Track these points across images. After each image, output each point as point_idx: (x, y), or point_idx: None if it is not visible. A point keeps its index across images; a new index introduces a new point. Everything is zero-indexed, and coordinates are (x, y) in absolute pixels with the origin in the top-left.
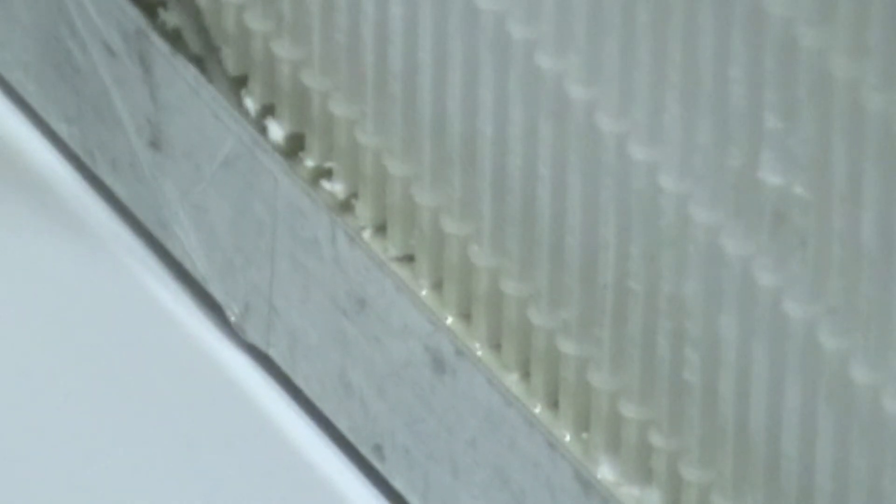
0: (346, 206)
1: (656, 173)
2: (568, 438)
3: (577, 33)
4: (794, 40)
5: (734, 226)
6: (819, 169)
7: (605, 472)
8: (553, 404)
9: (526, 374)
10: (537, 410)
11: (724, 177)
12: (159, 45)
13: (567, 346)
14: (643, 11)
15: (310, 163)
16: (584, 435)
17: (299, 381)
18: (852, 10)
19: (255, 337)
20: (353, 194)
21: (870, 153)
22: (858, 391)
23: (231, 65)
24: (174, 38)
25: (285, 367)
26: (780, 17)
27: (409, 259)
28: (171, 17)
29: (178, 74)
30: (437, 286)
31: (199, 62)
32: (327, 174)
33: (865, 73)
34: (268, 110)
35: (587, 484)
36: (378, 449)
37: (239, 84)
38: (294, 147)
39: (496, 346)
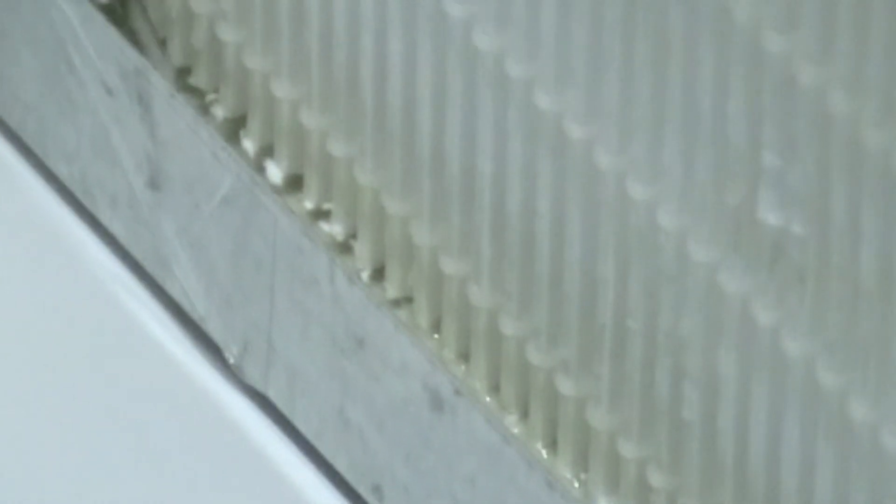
0: (344, 247)
1: (655, 211)
2: (567, 477)
3: (576, 72)
4: (792, 77)
5: (733, 263)
6: (818, 206)
7: None
8: (552, 443)
9: (525, 414)
10: (537, 450)
11: (723, 214)
12: (158, 84)
13: (566, 386)
14: (642, 50)
15: (308, 204)
16: (583, 474)
17: (298, 420)
18: (851, 47)
19: (253, 376)
20: (352, 235)
21: (868, 190)
22: (857, 428)
23: (230, 104)
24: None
25: (284, 406)
26: (779, 54)
27: (407, 299)
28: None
29: (176, 113)
30: (436, 326)
31: (199, 101)
32: (326, 215)
33: (864, 110)
34: (266, 151)
35: None
36: (377, 489)
37: (238, 124)
38: (293, 187)
39: (495, 385)
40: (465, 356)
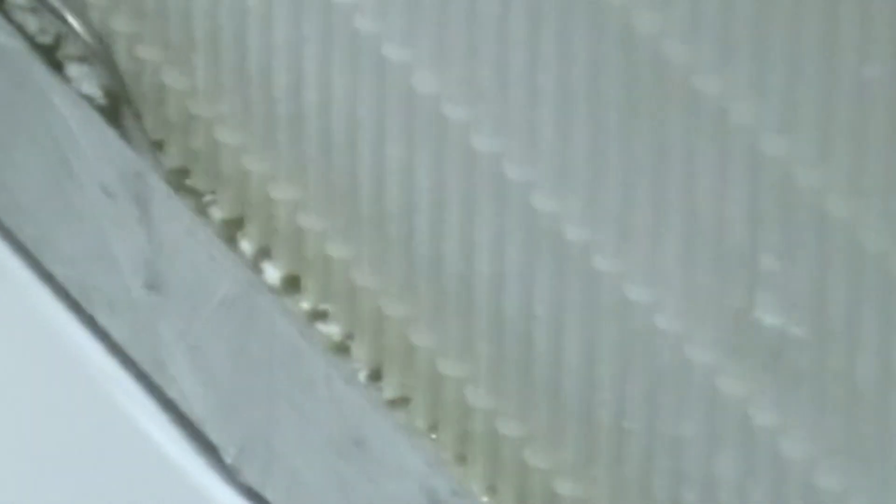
0: (342, 348)
1: (654, 314)
2: None
3: (575, 175)
4: (791, 181)
5: (732, 366)
6: (816, 309)
7: None
8: None
9: None
10: None
11: (722, 317)
12: (156, 187)
13: (564, 487)
14: (641, 152)
15: (306, 305)
16: None
17: None
18: (850, 150)
19: (251, 478)
20: (349, 336)
21: (867, 293)
22: None
23: (228, 206)
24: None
25: None
26: (777, 156)
27: (405, 400)
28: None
29: (174, 215)
30: (434, 427)
31: (196, 203)
32: (323, 316)
33: (862, 213)
34: (264, 252)
35: None
36: None
37: (235, 225)
38: (290, 289)
39: (493, 486)
40: (462, 457)
